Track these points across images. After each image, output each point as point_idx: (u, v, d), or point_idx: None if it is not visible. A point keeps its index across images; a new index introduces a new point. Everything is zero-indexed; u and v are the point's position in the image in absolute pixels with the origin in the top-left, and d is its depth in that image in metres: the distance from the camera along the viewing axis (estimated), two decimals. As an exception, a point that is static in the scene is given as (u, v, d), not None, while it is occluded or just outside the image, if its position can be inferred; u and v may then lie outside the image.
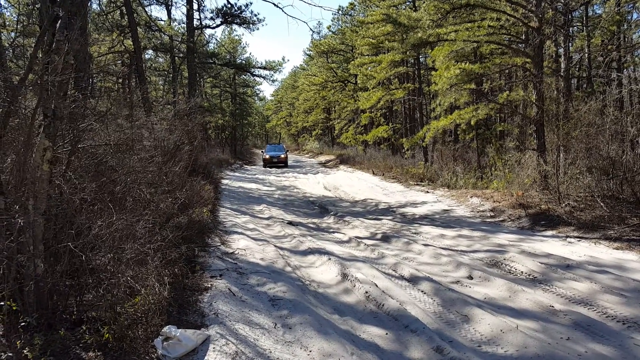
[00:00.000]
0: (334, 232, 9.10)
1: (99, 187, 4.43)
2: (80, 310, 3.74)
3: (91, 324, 3.54)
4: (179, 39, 22.75)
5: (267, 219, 10.29)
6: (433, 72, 16.35)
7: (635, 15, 20.11)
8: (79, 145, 4.47)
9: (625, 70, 19.85)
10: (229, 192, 14.88)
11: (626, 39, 19.50)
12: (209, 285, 5.02)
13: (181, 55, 23.61)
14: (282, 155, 28.70)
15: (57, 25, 3.78)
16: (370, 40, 22.04)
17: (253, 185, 17.52)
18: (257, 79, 34.51)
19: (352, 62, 25.48)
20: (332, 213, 11.24)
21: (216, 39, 38.74)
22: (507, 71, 17.29)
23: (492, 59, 14.69)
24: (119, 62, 23.10)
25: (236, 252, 6.77)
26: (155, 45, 21.95)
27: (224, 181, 17.42)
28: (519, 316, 4.49)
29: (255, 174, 23.27)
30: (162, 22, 22.86)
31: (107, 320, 3.52)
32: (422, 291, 5.32)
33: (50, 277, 3.54)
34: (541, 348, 3.70)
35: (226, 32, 34.96)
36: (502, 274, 6.03)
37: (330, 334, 4.01)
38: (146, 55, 24.95)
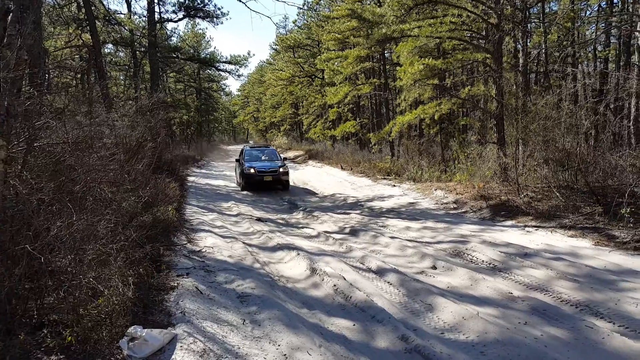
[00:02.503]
0: (303, 228, 9.15)
1: (57, 186, 4.30)
2: (41, 314, 3.63)
3: (53, 327, 3.45)
4: (140, 33, 22.13)
5: (236, 215, 10.22)
6: (398, 68, 16.58)
7: (588, 12, 21.01)
8: (35, 144, 4.32)
9: (579, 65, 20.72)
10: (196, 189, 14.66)
11: (580, 35, 20.35)
12: (176, 284, 4.96)
13: (143, 49, 22.98)
14: (281, 169, 14.88)
15: (9, 19, 3.63)
16: (336, 35, 22.11)
17: (221, 182, 17.32)
18: (223, 73, 34.10)
19: (319, 57, 25.51)
20: (301, 208, 11.28)
21: (179, 33, 37.91)
22: (468, 66, 17.75)
23: (454, 55, 15.05)
24: (77, 56, 22.28)
25: (203, 250, 6.71)
26: (115, 40, 21.28)
27: (190, 178, 17.15)
28: (480, 303, 4.67)
29: (222, 171, 22.99)
30: (122, 16, 22.18)
31: (69, 323, 3.44)
32: (388, 282, 5.44)
33: (8, 280, 3.42)
34: (500, 333, 3.87)
35: (189, 26, 34.28)
36: (464, 263, 6.23)
37: (299, 328, 4.05)
38: (106, 50, 24.14)
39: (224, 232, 8.31)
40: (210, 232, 8.14)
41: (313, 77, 32.59)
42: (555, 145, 10.35)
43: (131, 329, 3.56)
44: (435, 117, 15.35)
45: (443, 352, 3.69)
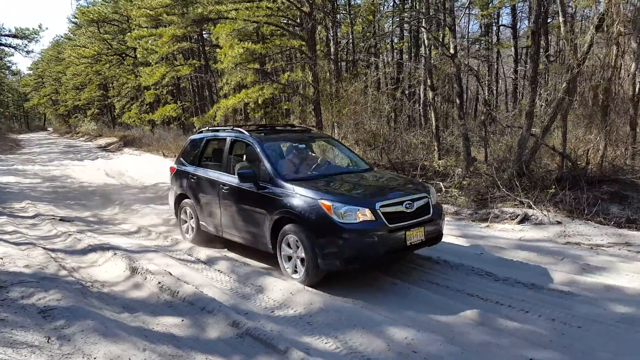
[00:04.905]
0: (120, 224, 8.31)
1: None
2: None
3: None
4: None
5: (33, 217, 8.69)
6: (218, 50, 16.20)
7: (386, 7, 23.78)
8: None
9: (380, 55, 23.42)
10: (-24, 189, 12.00)
11: (379, 28, 22.93)
12: (-51, 310, 3.97)
13: None
14: (431, 200, 5.04)
15: None
16: (148, 11, 20.36)
17: (10, 179, 14.52)
18: (6, 49, 28.38)
19: (129, 34, 23.23)
20: (117, 202, 10.22)
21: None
22: (287, 53, 18.38)
23: (272, 40, 15.39)
24: None
25: (-11, 262, 5.52)
26: None
27: (-32, 176, 13.94)
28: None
29: (12, 164, 19.29)
30: None
31: None
32: (218, 270, 5.34)
33: None
34: (324, 302, 4.16)
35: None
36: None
37: (119, 335, 3.68)
38: None
39: (17, 238, 6.97)
40: (-1, 239, 6.75)
41: (124, 55, 29.61)
42: (364, 127, 11.55)
43: None
44: (259, 102, 15.60)
45: (273, 330, 3.80)
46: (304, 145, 6.11)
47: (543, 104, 9.65)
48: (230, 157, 5.90)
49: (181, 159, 6.94)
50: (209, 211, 6.09)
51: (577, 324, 3.79)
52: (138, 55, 25.61)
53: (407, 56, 23.39)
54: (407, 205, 4.68)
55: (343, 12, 22.25)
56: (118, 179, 14.23)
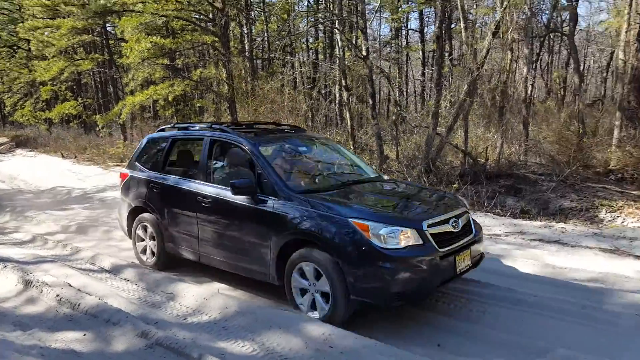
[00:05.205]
0: (11, 233, 7.50)
1: None
2: None
3: None
4: None
5: None
6: (124, 44, 15.21)
7: (301, 7, 23.93)
8: None
9: (296, 54, 23.54)
10: None
11: (295, 27, 23.04)
12: None
13: None
14: (471, 216, 4.42)
15: None
16: (44, 1, 18.56)
17: None
18: None
19: (22, 24, 21.01)
20: (8, 209, 9.24)
21: None
22: (199, 48, 17.78)
23: (183, 35, 14.79)
24: None
25: None
26: None
27: None
28: (220, 280, 4.83)
29: None
30: None
31: None
32: (125, 279, 5.01)
33: None
34: (239, 305, 4.06)
35: None
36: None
37: (10, 357, 3.30)
38: None
39: None
40: None
41: (15, 47, 26.79)
42: (281, 126, 11.50)
43: None
44: (170, 99, 14.91)
45: (186, 338, 3.62)
46: (305, 148, 5.08)
47: (447, 105, 10.33)
48: (210, 162, 4.77)
49: (137, 162, 5.56)
50: (179, 230, 4.93)
51: (482, 310, 4.09)
52: (32, 48, 23.21)
53: (322, 56, 23.77)
54: (454, 224, 3.87)
55: (257, 9, 22.04)
56: (9, 183, 12.88)
